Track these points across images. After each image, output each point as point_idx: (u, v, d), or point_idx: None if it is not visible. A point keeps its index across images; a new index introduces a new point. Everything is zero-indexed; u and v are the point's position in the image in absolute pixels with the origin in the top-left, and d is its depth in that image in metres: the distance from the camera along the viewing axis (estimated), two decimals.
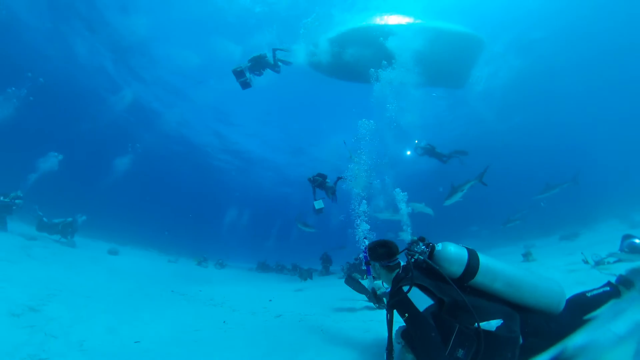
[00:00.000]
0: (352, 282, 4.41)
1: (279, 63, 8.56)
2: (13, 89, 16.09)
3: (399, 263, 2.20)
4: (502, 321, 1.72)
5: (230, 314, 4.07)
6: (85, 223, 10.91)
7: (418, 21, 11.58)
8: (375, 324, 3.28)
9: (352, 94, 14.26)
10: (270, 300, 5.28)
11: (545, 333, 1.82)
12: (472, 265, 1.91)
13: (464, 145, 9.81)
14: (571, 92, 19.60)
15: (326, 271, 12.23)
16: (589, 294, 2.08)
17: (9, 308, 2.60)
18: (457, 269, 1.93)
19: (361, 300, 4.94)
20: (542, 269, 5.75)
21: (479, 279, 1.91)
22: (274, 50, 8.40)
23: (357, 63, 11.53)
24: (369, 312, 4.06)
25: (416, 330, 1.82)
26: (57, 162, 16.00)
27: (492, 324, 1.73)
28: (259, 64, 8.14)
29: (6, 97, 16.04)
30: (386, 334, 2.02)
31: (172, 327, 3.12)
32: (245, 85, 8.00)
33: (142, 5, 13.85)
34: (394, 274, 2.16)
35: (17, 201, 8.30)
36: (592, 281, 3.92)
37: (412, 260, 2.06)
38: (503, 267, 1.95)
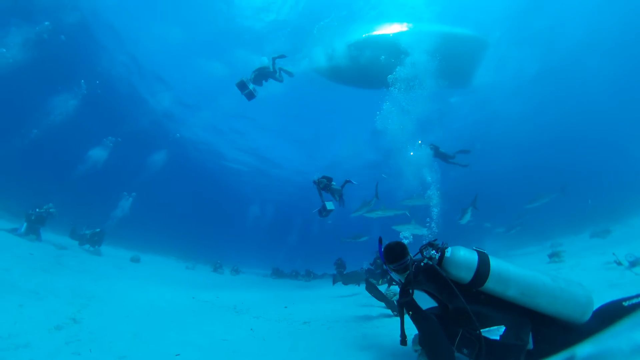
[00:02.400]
0: (372, 289, 4.40)
1: (282, 73, 8.66)
2: (83, 81, 16.60)
3: (409, 265, 2.15)
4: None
5: (255, 321, 4.12)
6: (111, 229, 11.63)
7: (425, 26, 11.97)
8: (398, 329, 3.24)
9: (365, 100, 14.32)
10: (285, 307, 5.31)
11: (560, 342, 1.71)
12: (482, 271, 1.85)
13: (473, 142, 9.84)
14: (598, 83, 18.57)
15: (341, 277, 12.14)
16: (626, 303, 1.81)
17: (53, 320, 2.75)
18: (466, 275, 1.87)
19: (378, 306, 4.89)
20: (571, 272, 5.45)
21: (490, 285, 1.84)
22: (274, 59, 8.51)
23: (371, 67, 11.90)
24: (388, 319, 4.01)
25: (420, 327, 1.90)
26: (112, 147, 16.93)
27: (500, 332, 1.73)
28: (262, 75, 8.29)
29: (79, 91, 16.77)
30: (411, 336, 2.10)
31: (205, 336, 3.16)
32: (250, 96, 8.13)
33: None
34: (405, 275, 2.16)
35: (51, 210, 8.94)
36: (628, 285, 3.66)
37: (422, 264, 2.06)
38: (518, 273, 1.83)
